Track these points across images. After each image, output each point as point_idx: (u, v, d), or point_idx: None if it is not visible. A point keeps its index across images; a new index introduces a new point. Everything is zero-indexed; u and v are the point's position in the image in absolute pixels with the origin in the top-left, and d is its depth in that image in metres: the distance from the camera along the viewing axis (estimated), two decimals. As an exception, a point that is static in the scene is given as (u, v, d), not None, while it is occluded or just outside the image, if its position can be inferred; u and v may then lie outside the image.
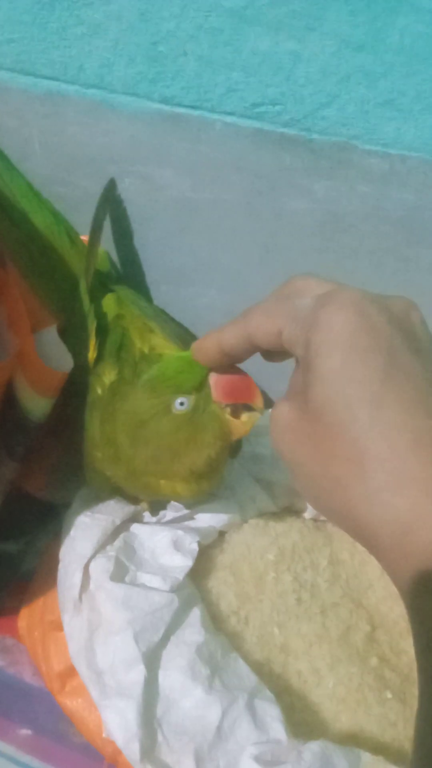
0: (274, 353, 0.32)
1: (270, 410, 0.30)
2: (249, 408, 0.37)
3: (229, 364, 0.35)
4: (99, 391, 0.41)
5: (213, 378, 0.37)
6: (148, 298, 0.53)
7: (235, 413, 0.37)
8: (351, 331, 0.26)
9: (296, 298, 0.29)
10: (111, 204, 0.48)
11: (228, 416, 0.37)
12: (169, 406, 0.37)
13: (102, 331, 0.43)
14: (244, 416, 0.38)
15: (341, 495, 0.25)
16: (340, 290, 0.27)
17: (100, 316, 0.44)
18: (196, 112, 0.42)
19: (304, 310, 0.28)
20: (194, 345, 0.35)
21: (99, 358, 0.42)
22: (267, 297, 0.31)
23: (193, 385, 0.37)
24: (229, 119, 0.42)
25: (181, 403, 0.37)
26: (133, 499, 0.46)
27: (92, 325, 0.42)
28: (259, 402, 0.37)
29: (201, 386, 0.37)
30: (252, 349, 0.31)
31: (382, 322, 0.26)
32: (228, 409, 0.37)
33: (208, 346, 0.34)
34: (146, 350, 0.42)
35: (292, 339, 0.28)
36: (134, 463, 0.40)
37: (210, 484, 0.42)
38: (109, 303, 0.45)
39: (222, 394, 0.37)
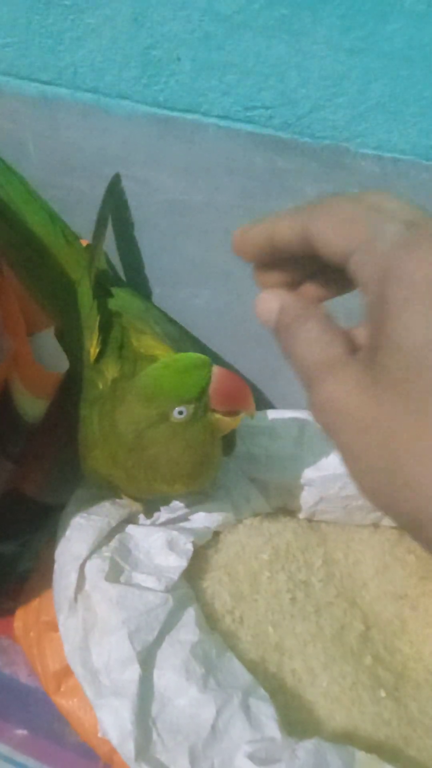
0: (329, 273, 0.26)
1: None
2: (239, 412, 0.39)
3: (266, 280, 0.29)
4: (100, 386, 0.42)
5: (212, 386, 0.37)
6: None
7: (226, 414, 0.39)
8: None
9: (378, 216, 0.22)
10: (111, 205, 0.48)
11: (218, 415, 0.38)
12: (167, 415, 0.38)
13: (104, 328, 0.43)
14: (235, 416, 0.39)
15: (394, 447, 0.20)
16: (429, 228, 0.21)
17: (103, 313, 0.44)
18: (190, 116, 0.43)
19: (385, 239, 0.21)
20: (238, 231, 0.28)
21: (101, 354, 0.42)
22: (337, 198, 0.24)
23: (194, 395, 0.37)
24: (222, 122, 0.42)
25: (180, 412, 0.37)
26: (129, 497, 0.47)
27: (95, 321, 0.43)
28: (252, 410, 0.38)
29: (201, 396, 0.37)
30: (307, 251, 0.25)
31: None
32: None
33: (257, 233, 0.27)
34: (142, 350, 0.42)
35: (362, 275, 0.22)
36: (132, 469, 0.40)
37: (206, 479, 0.43)
38: (108, 301, 0.45)
39: (219, 402, 0.38)
